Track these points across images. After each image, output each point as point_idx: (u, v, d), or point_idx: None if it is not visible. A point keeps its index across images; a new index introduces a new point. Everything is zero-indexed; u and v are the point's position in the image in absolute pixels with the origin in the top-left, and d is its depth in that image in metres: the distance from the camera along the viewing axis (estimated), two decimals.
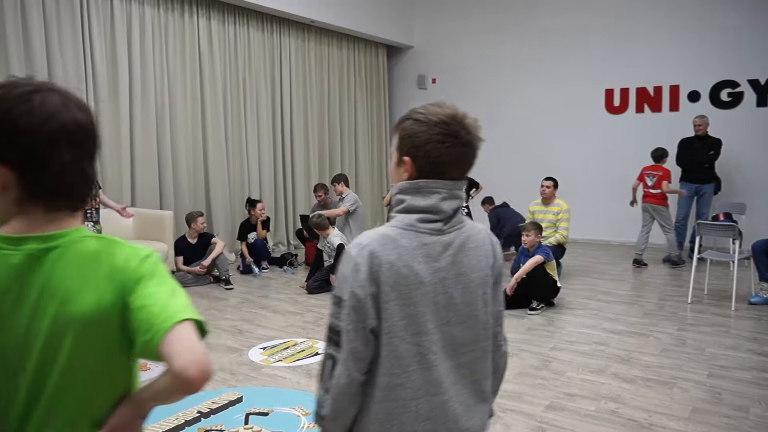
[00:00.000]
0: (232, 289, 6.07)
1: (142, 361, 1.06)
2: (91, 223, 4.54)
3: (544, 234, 6.28)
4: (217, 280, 6.24)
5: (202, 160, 7.32)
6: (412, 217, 1.26)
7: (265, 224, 7.13)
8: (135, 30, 6.48)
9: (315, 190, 7.36)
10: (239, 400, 3.29)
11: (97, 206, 4.66)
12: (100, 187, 4.85)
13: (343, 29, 8.97)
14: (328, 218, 6.35)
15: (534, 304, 5.01)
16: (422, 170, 1.27)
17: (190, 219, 6.32)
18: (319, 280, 5.96)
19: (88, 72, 6.09)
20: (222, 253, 6.27)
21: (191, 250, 6.29)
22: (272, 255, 7.44)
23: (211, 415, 3.09)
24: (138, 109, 6.54)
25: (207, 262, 6.20)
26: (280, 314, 5.09)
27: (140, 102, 6.56)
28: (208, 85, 7.29)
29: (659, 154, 6.95)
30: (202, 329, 0.99)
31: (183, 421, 3.02)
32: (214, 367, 0.75)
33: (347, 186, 7.05)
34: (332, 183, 7.13)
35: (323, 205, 7.30)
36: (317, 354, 4.05)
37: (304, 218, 7.23)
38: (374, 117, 10.10)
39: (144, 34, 6.58)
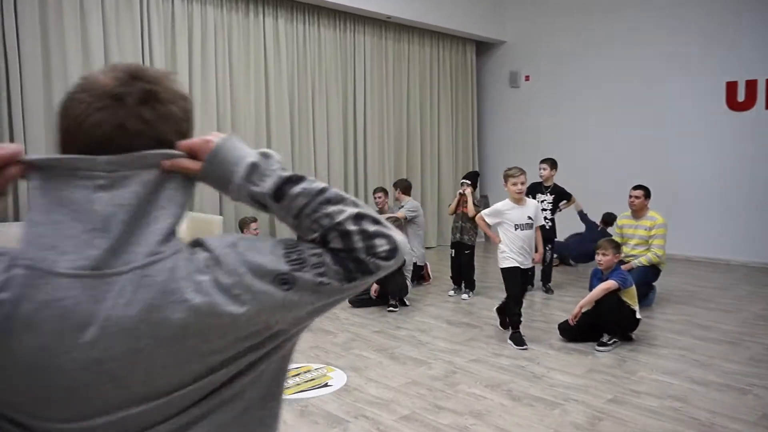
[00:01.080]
0: None
1: None
2: None
3: (634, 252, 5.37)
4: None
5: None
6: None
7: None
8: (196, 31, 6.36)
9: (374, 193, 6.88)
10: None
11: None
12: None
13: (424, 25, 8.41)
14: None
15: (604, 339, 4.15)
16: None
17: (243, 224, 6.08)
18: (360, 295, 5.46)
19: None
20: None
21: None
22: None
23: None
24: (198, 111, 6.41)
25: None
26: (312, 332, 4.63)
27: (200, 104, 6.43)
28: (273, 88, 7.06)
29: None
30: None
31: None
32: None
33: (407, 194, 6.47)
34: (394, 186, 6.60)
35: (381, 210, 6.80)
36: (326, 386, 3.53)
37: None
38: (460, 119, 9.43)
39: (206, 35, 6.45)
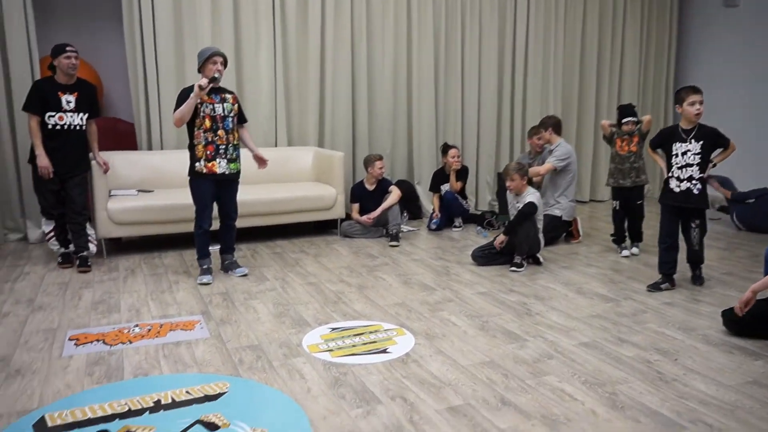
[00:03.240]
0: (396, 246, 5.19)
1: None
2: (225, 160, 4.00)
3: None
4: (389, 234, 5.42)
5: (406, 97, 6.47)
6: None
7: (461, 175, 5.98)
8: None
9: (530, 135, 5.84)
10: (217, 396, 2.46)
11: (235, 142, 4.12)
12: (245, 121, 4.31)
13: None
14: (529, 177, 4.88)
15: None
16: None
17: (368, 163, 5.59)
18: (487, 248, 4.66)
19: None
20: (396, 204, 5.42)
21: (368, 198, 5.58)
22: (471, 212, 6.26)
23: (161, 411, 2.33)
24: (330, 37, 5.97)
25: (376, 213, 5.42)
26: (407, 286, 4.03)
27: (332, 30, 5.97)
28: (416, 24, 6.33)
29: None
30: None
31: (114, 412, 2.33)
32: None
33: (558, 133, 5.38)
34: (539, 128, 5.54)
35: (537, 155, 5.77)
36: (384, 352, 2.93)
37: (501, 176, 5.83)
38: (651, 52, 7.81)
39: None
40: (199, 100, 3.86)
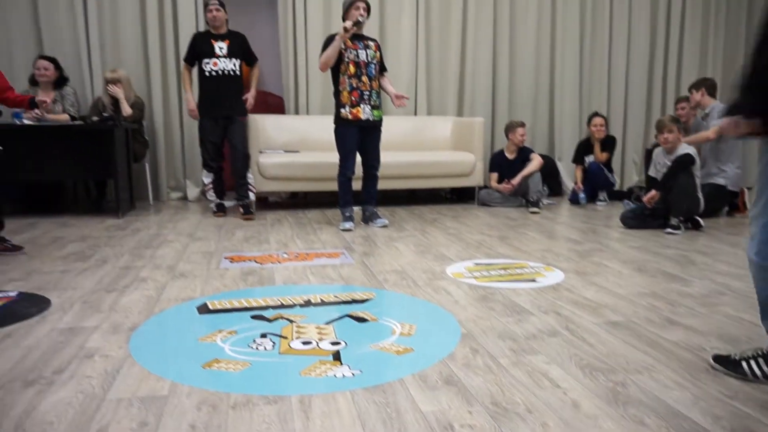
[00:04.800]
0: (537, 213, 5.00)
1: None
2: (369, 106, 4.08)
3: None
4: (529, 203, 5.23)
5: (549, 67, 6.25)
6: None
7: (606, 144, 5.63)
8: None
9: (677, 103, 5.37)
10: (364, 301, 2.46)
11: (378, 89, 4.19)
12: (386, 70, 4.34)
13: None
14: None
15: None
16: None
17: (509, 129, 5.45)
18: (638, 209, 4.33)
19: None
20: (537, 172, 5.22)
21: (508, 167, 5.43)
22: (616, 187, 5.87)
23: (311, 306, 2.38)
24: (472, 12, 5.93)
25: (517, 179, 5.26)
26: (552, 239, 3.84)
27: (474, 4, 5.93)
28: None
29: None
30: None
31: (268, 305, 2.41)
32: None
33: (713, 95, 4.88)
34: (690, 90, 5.05)
35: (686, 123, 5.27)
36: (532, 281, 2.79)
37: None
38: None
39: None
40: (343, 46, 3.97)
